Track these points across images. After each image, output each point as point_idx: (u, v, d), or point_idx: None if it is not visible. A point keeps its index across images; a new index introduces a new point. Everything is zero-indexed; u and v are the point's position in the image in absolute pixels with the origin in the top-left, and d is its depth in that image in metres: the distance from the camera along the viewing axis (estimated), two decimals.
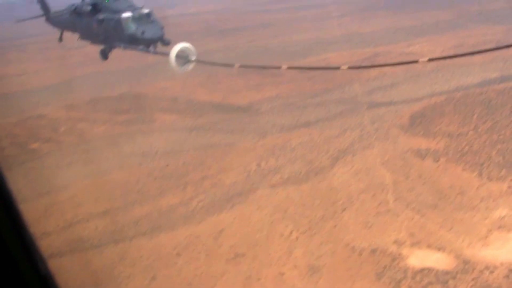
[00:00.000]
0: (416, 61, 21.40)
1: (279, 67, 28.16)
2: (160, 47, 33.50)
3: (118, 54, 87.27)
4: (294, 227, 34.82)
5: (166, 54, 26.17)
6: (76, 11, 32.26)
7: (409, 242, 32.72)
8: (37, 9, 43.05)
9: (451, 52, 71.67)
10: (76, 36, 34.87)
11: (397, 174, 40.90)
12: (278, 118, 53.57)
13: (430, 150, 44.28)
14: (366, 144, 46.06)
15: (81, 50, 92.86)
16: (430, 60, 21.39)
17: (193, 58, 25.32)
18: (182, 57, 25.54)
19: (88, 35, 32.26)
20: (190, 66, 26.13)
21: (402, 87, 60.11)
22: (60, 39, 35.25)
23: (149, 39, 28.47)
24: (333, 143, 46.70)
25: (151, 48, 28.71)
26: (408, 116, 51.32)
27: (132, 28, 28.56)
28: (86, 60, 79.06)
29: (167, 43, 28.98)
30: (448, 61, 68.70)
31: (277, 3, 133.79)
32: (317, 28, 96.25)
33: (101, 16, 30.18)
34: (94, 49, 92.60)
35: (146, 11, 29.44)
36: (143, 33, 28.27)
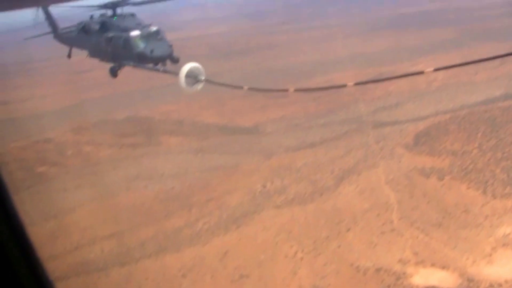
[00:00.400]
0: (421, 72, 21.76)
1: (286, 90, 28.44)
2: (169, 65, 33.70)
3: (125, 77, 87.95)
4: (299, 248, 34.99)
5: (175, 73, 26.31)
6: (84, 29, 32.43)
7: (414, 260, 32.84)
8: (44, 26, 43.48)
9: (457, 71, 72.07)
10: (84, 53, 35.13)
11: (402, 193, 41.05)
12: (283, 139, 53.86)
13: (435, 169, 44.42)
14: (371, 164, 46.25)
15: (88, 74, 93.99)
16: (436, 70, 21.56)
17: (202, 78, 25.41)
18: (192, 77, 25.56)
19: (97, 53, 32.27)
20: (200, 86, 26.14)
21: (407, 106, 60.35)
22: (69, 55, 35.33)
23: (158, 57, 28.43)
24: (338, 163, 46.90)
25: (160, 66, 28.85)
26: (413, 135, 51.52)
27: (141, 46, 28.52)
28: (92, 84, 79.95)
29: (176, 61, 28.94)
30: (452, 79, 69.25)
31: (283, 25, 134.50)
32: (322, 49, 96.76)
33: (109, 34, 30.24)
34: (101, 73, 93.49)
35: (154, 29, 29.44)
36: (152, 51, 28.28)
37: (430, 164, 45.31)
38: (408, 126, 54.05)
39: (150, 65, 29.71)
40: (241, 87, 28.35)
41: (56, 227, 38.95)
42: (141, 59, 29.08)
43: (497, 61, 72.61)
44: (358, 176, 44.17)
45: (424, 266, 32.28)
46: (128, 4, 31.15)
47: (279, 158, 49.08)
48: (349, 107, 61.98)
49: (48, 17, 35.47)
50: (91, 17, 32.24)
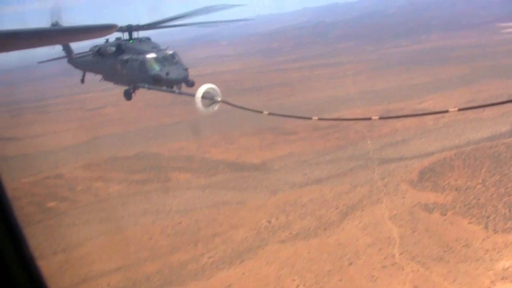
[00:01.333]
0: (446, 111, 22.21)
1: (309, 118, 28.87)
2: (184, 88, 33.65)
3: (137, 114, 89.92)
4: (301, 281, 35.59)
5: (191, 95, 26.57)
6: (99, 52, 32.52)
7: None
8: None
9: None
10: (98, 78, 35.41)
11: (404, 228, 41.59)
12: (290, 176, 54.70)
13: (438, 204, 44.95)
14: (375, 200, 46.87)
15: (100, 111, 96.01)
16: (460, 110, 22.24)
17: (219, 99, 25.55)
18: (208, 98, 25.73)
19: (111, 76, 32.26)
20: (216, 107, 26.22)
21: (413, 143, 61.05)
22: (82, 80, 35.61)
23: (173, 79, 28.45)
24: (342, 199, 47.58)
25: (175, 89, 29.00)
26: (418, 171, 52.10)
27: (156, 68, 28.54)
28: (104, 121, 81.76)
29: (191, 84, 28.89)
30: (459, 116, 69.95)
31: (294, 62, 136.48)
32: (332, 86, 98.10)
33: (125, 56, 30.24)
34: (113, 110, 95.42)
35: (170, 52, 29.61)
36: (167, 73, 28.35)
37: (433, 199, 45.82)
38: (414, 162, 54.66)
39: (165, 87, 29.91)
40: (261, 112, 28.59)
41: (64, 261, 39.85)
42: (157, 82, 29.06)
43: (503, 98, 73.53)
44: (362, 212, 44.78)
45: None
46: (143, 28, 31.42)
47: (285, 194, 49.87)
48: (357, 144, 62.84)
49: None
50: (107, 40, 32.52)
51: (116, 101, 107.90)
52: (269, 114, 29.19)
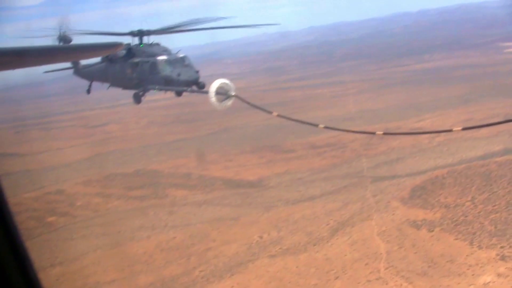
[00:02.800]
0: (450, 130, 22.90)
1: (316, 125, 29.51)
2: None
3: (137, 132, 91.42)
4: None
5: (204, 92, 26.59)
6: (109, 57, 32.42)
7: None
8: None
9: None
10: (105, 86, 34.89)
11: (392, 244, 42.68)
12: (284, 193, 55.96)
13: (426, 221, 46.03)
14: (366, 216, 47.99)
15: (102, 129, 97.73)
16: (464, 129, 23.10)
17: (232, 93, 25.65)
18: (221, 93, 25.81)
19: (120, 81, 32.01)
20: (229, 102, 26.43)
21: (407, 161, 62.23)
22: (88, 91, 35.79)
23: (184, 81, 28.33)
24: (334, 216, 48.75)
25: (187, 88, 28.87)
26: (409, 189, 53.19)
27: (168, 70, 28.63)
28: (107, 138, 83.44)
29: (202, 87, 28.87)
30: (454, 135, 71.09)
31: (297, 81, 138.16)
32: (333, 105, 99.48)
33: (136, 59, 30.42)
34: (115, 128, 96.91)
35: (181, 55, 29.70)
36: (179, 75, 28.46)
37: (422, 216, 46.92)
38: (406, 180, 55.79)
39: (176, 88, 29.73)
40: (271, 112, 28.95)
41: (61, 274, 41.13)
42: (168, 83, 29.18)
43: (500, 117, 74.57)
44: (352, 228, 45.91)
45: None
46: (154, 33, 31.43)
47: (278, 211, 51.09)
48: (352, 162, 64.12)
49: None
50: None
51: (119, 119, 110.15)
52: (278, 116, 29.74)
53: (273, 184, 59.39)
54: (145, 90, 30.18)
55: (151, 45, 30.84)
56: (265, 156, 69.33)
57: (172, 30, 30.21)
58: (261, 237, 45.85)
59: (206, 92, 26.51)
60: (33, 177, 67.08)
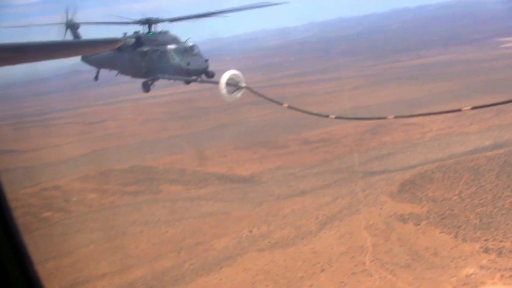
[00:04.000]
0: (459, 110, 23.25)
1: (326, 116, 29.80)
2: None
3: (134, 129, 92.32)
4: (274, 287, 37.69)
5: (215, 82, 26.24)
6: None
7: None
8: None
9: (451, 123, 74.97)
10: (113, 73, 34.60)
11: (378, 237, 43.59)
12: (276, 188, 56.86)
13: (413, 215, 46.92)
14: (354, 210, 48.89)
15: (100, 125, 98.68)
16: (473, 108, 23.43)
17: (243, 85, 25.28)
18: (232, 84, 25.43)
19: (128, 69, 31.77)
20: (239, 94, 26.27)
21: (398, 156, 63.07)
22: (96, 78, 35.55)
23: (194, 70, 27.98)
24: (323, 210, 49.64)
25: (197, 78, 28.45)
26: (399, 183, 54.05)
27: (177, 59, 28.40)
28: (104, 135, 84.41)
29: (212, 76, 28.47)
30: (446, 130, 72.03)
31: (294, 77, 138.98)
32: (328, 101, 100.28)
33: (145, 48, 30.31)
34: (113, 124, 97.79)
35: (190, 44, 29.53)
36: (188, 64, 28.22)
37: (409, 210, 47.80)
38: (396, 175, 56.61)
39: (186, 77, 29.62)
40: (281, 104, 28.93)
41: (54, 267, 42.07)
42: (177, 72, 29.10)
43: (492, 112, 75.60)
44: (340, 222, 46.81)
45: None
46: (163, 21, 31.20)
47: (269, 206, 52.02)
48: (344, 157, 65.00)
49: (76, 38, 35.37)
50: (125, 34, 32.30)
51: (117, 116, 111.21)
52: (289, 107, 29.84)
53: (265, 179, 60.30)
54: (154, 79, 30.04)
55: (160, 33, 30.61)
56: (259, 152, 70.27)
57: (180, 18, 30.11)
58: (251, 231, 46.79)
59: (216, 82, 26.38)
60: (30, 173, 68.14)
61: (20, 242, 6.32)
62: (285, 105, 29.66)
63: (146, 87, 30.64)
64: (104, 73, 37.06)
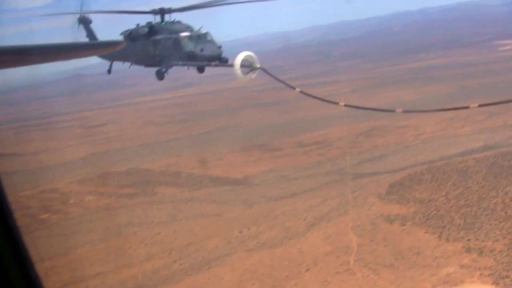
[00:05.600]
0: (467, 107, 23.85)
1: (337, 103, 30.32)
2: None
3: (133, 132, 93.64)
4: (259, 286, 39.00)
5: (229, 65, 26.15)
6: (131, 36, 32.39)
7: None
8: None
9: (445, 125, 76.10)
10: (126, 65, 34.86)
11: (364, 237, 44.82)
12: (268, 190, 58.13)
13: (399, 216, 48.12)
14: (342, 212, 50.14)
15: (100, 129, 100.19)
16: (480, 106, 23.94)
17: (257, 66, 25.19)
18: (246, 65, 25.34)
19: (142, 59, 32.19)
20: (254, 75, 26.19)
21: (389, 159, 64.25)
22: (109, 71, 35.52)
23: (207, 56, 28.35)
24: (312, 211, 50.89)
25: (211, 63, 28.64)
26: (388, 185, 55.28)
27: (191, 46, 28.80)
28: (103, 138, 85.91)
29: (226, 61, 28.60)
30: (439, 132, 73.22)
31: (293, 81, 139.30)
32: (325, 104, 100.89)
33: (158, 37, 30.82)
34: (112, 128, 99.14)
35: (203, 31, 30.02)
36: (202, 50, 28.68)
37: (396, 211, 49.00)
38: (386, 177, 57.82)
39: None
40: (294, 88, 29.28)
41: (50, 267, 43.30)
42: (191, 58, 29.54)
43: (484, 115, 76.78)
44: (328, 223, 48.07)
45: None
46: (175, 11, 31.72)
47: (260, 207, 53.30)
48: (336, 159, 66.24)
49: (89, 33, 35.84)
50: (138, 25, 32.87)
51: (117, 119, 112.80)
52: (301, 92, 30.16)
53: (258, 182, 61.57)
54: (168, 67, 30.56)
55: (173, 22, 31.39)
56: (254, 155, 71.61)
57: (192, 7, 30.73)
58: (241, 232, 48.07)
59: (230, 65, 26.72)
60: (29, 176, 69.53)
61: (21, 243, 6.40)
62: (297, 89, 29.85)
63: (161, 75, 30.90)
64: (106, 76, 37.45)
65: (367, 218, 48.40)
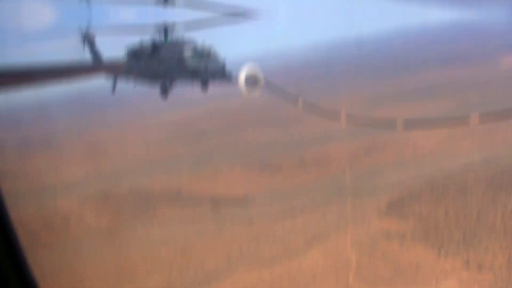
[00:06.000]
0: (467, 120, 24.03)
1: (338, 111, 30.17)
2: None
3: (135, 150, 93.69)
4: None
5: (232, 82, 25.86)
6: (134, 52, 32.14)
7: None
8: None
9: (443, 139, 76.09)
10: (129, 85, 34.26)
11: (363, 254, 44.87)
12: (268, 208, 58.09)
13: (399, 231, 48.14)
14: (342, 228, 50.14)
15: (101, 146, 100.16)
16: (481, 119, 24.22)
17: (261, 80, 25.11)
18: (250, 80, 25.18)
19: (145, 76, 32.11)
20: (259, 88, 26.02)
21: (389, 174, 64.11)
22: (113, 89, 35.01)
23: (211, 71, 28.55)
24: (311, 228, 50.87)
25: (214, 80, 28.45)
26: (387, 200, 55.19)
27: (194, 63, 28.88)
28: (106, 156, 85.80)
29: (229, 77, 28.50)
30: (438, 146, 73.23)
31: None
32: (323, 121, 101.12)
33: (162, 54, 30.68)
34: (115, 147, 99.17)
35: (207, 47, 29.99)
36: (205, 66, 28.63)
37: (395, 227, 48.99)
38: (385, 192, 57.68)
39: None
40: (297, 100, 29.15)
41: (50, 286, 43.40)
42: (195, 75, 29.63)
43: (484, 128, 76.61)
44: (327, 239, 48.10)
45: None
46: (179, 27, 31.65)
47: (259, 225, 53.28)
48: (336, 176, 66.17)
49: (93, 51, 35.47)
50: (141, 41, 32.62)
51: (119, 138, 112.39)
52: (304, 104, 30.15)
53: (257, 199, 61.50)
54: (172, 84, 30.59)
55: (176, 39, 31.32)
56: (255, 172, 71.55)
57: (196, 24, 30.70)
58: (240, 250, 48.06)
59: (234, 83, 26.68)
60: (29, 194, 69.51)
61: (18, 247, 6.41)
62: (301, 101, 29.76)
63: (165, 93, 30.89)
64: (109, 94, 37.07)
65: (367, 234, 48.40)
